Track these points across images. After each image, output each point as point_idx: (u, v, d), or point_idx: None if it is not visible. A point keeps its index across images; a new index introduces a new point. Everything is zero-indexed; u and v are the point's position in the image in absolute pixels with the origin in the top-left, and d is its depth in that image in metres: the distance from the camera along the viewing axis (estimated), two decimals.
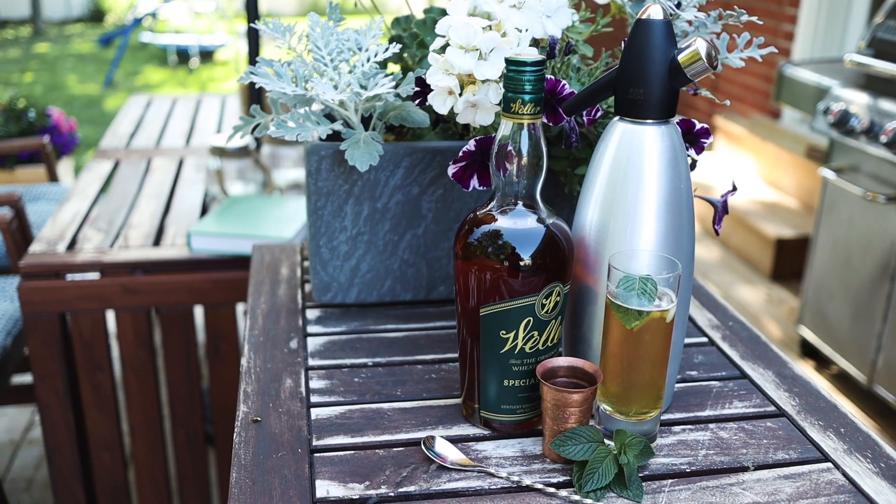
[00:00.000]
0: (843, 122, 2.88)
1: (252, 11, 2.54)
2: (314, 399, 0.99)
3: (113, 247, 1.96)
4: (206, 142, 2.80)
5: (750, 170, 4.74)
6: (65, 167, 4.60)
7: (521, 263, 0.86)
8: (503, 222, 0.87)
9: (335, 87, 1.04)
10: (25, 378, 2.65)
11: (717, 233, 1.07)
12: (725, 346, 1.13)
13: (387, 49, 1.05)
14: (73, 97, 7.97)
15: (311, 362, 1.07)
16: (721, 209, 1.07)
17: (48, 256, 1.89)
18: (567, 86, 0.96)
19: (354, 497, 0.82)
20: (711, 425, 0.96)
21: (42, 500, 2.46)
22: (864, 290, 2.89)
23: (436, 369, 1.06)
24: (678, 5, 1.12)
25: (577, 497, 0.83)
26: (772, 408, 0.99)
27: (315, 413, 0.96)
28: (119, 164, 2.59)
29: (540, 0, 1.00)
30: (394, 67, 1.28)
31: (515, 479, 0.85)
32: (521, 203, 0.88)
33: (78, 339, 1.90)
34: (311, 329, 1.15)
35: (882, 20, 2.94)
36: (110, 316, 1.93)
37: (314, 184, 1.12)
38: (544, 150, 0.87)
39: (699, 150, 1.02)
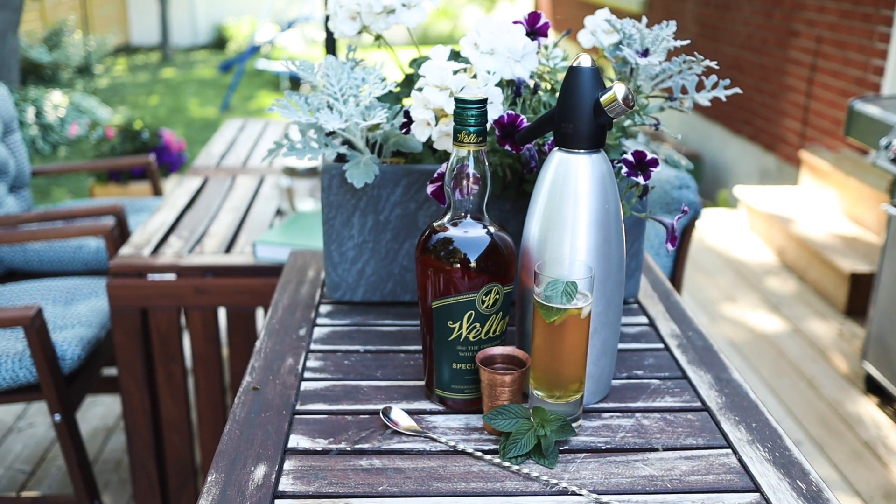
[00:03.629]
0: None
1: (330, 44, 2.80)
2: (307, 375, 1.19)
3: (191, 252, 2.23)
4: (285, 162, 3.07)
5: (833, 204, 4.72)
6: (172, 184, 5.01)
7: (466, 265, 1.04)
8: (454, 231, 1.06)
9: (342, 117, 1.24)
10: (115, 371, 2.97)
11: (668, 251, 1.22)
12: (678, 353, 1.27)
13: (385, 87, 1.25)
14: (192, 120, 8.55)
15: (313, 347, 1.27)
16: (671, 230, 1.22)
17: (134, 259, 2.17)
18: (525, 120, 1.14)
19: (318, 449, 1.02)
20: (637, 414, 1.11)
21: (127, 480, 2.75)
22: None
23: (415, 358, 1.25)
24: (645, 52, 1.28)
25: (498, 460, 1.00)
26: (698, 403, 1.13)
27: (304, 385, 1.16)
28: (208, 180, 2.89)
29: (509, 47, 1.18)
30: (409, 101, 1.47)
31: (453, 444, 1.02)
32: (469, 216, 1.06)
33: (155, 332, 2.17)
34: (320, 321, 1.35)
35: None
36: (183, 313, 2.19)
37: (327, 198, 1.33)
38: (488, 172, 1.05)
39: (647, 176, 1.17)
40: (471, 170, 1.04)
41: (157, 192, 3.54)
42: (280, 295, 1.44)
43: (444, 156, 1.34)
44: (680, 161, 1.45)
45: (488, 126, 1.19)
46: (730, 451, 1.03)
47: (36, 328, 2.08)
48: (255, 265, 2.17)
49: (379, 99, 1.35)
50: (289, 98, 1.29)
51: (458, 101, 1.01)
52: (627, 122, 1.34)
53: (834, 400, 3.24)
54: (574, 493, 0.94)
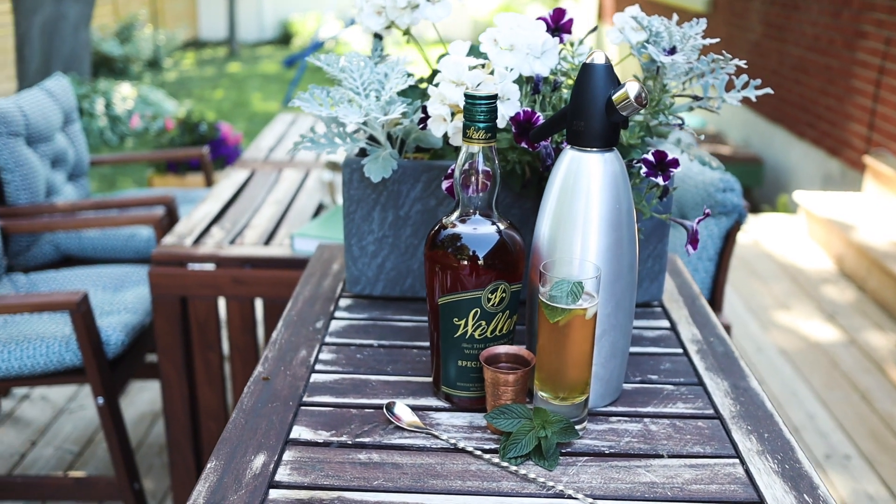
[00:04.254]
0: None
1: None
2: (318, 367, 1.20)
3: (232, 243, 2.26)
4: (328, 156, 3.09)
5: None
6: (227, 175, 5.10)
7: (471, 262, 1.03)
8: (461, 228, 1.05)
9: (361, 111, 1.25)
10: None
11: (688, 253, 1.19)
12: (697, 359, 1.24)
13: (406, 81, 1.25)
14: (255, 114, 8.68)
15: (328, 339, 1.28)
16: (692, 233, 1.19)
17: (176, 248, 2.22)
18: (541, 117, 1.12)
19: (319, 441, 1.02)
20: (646, 419, 1.08)
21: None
22: None
23: (427, 354, 1.24)
24: (672, 50, 1.25)
25: (497, 460, 0.99)
26: (710, 411, 1.10)
27: (314, 378, 1.17)
28: (254, 173, 2.93)
29: (528, 44, 1.17)
30: None
31: (453, 441, 1.02)
32: (478, 213, 1.05)
33: (194, 320, 2.21)
34: (338, 314, 1.36)
35: None
36: (222, 303, 2.22)
37: (347, 192, 1.34)
38: (498, 169, 1.04)
39: (667, 177, 1.15)
40: (480, 166, 1.03)
41: (210, 183, 3.60)
42: (302, 287, 1.45)
43: None
44: (711, 162, 1.42)
45: (505, 123, 1.18)
46: (737, 460, 1.00)
47: (81, 313, 2.13)
48: (293, 258, 2.19)
49: (405, 94, 1.35)
50: (311, 91, 1.30)
51: (467, 96, 1.01)
52: (654, 122, 1.31)
53: (888, 414, 3.14)
54: (570, 497, 0.93)
